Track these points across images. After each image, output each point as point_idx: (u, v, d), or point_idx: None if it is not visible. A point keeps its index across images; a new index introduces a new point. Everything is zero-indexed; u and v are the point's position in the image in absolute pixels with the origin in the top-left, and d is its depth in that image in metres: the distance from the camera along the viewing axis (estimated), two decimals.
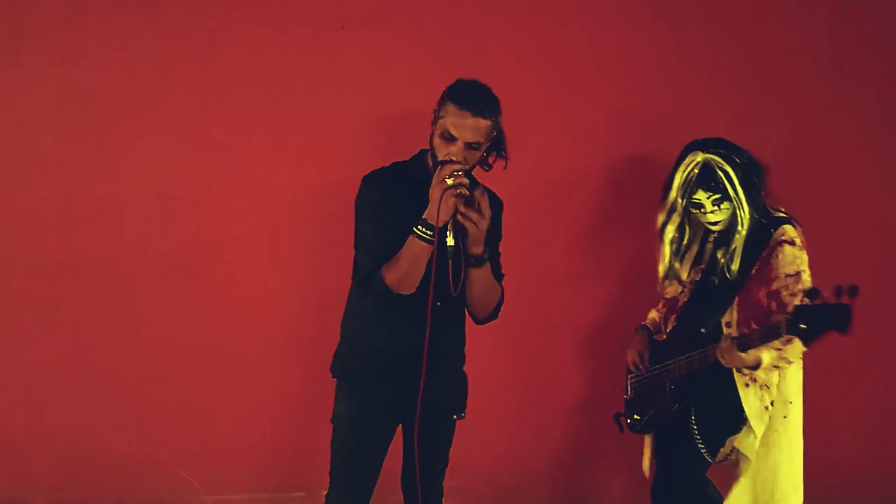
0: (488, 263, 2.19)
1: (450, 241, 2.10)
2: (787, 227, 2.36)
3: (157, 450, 3.21)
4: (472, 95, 2.15)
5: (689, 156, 2.38)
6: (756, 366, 2.26)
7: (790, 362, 2.32)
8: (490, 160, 2.24)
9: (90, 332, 3.16)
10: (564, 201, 3.20)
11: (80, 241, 3.12)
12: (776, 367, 2.31)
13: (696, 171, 2.35)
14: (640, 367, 2.68)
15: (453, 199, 2.04)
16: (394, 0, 3.09)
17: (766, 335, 2.17)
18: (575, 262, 3.22)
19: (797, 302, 2.24)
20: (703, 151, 2.36)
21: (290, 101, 3.08)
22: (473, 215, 2.07)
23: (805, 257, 2.34)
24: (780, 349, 2.25)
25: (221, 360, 3.19)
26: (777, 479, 2.43)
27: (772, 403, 2.40)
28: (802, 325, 2.04)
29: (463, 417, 2.41)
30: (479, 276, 2.19)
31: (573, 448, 3.33)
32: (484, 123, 2.13)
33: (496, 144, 2.23)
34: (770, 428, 2.41)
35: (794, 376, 2.44)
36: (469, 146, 2.12)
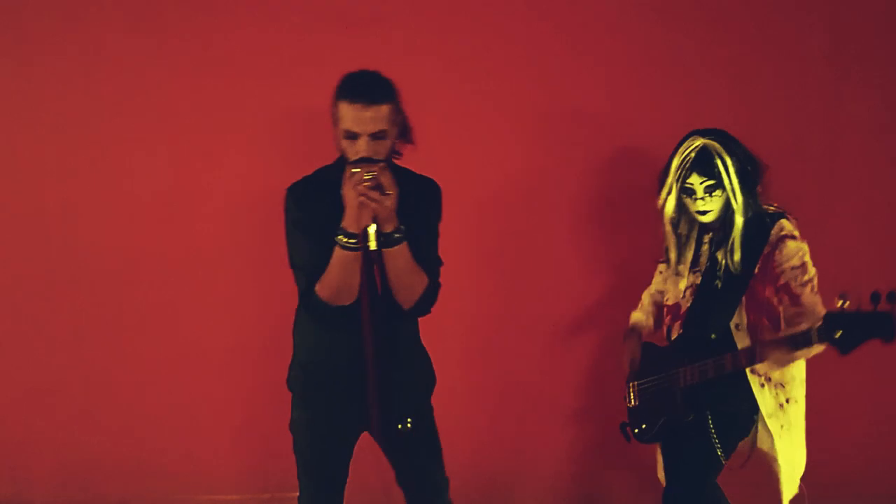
0: (405, 243, 2.07)
1: (372, 246, 2.02)
2: (784, 222, 2.37)
3: (156, 450, 3.22)
4: (361, 86, 2.05)
5: (689, 140, 2.40)
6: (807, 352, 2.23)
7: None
8: (398, 148, 2.16)
9: (91, 333, 3.17)
10: (560, 200, 3.20)
11: (79, 242, 3.13)
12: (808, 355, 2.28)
13: (693, 154, 2.36)
14: (634, 368, 2.67)
15: (371, 205, 1.97)
16: (394, 0, 3.10)
17: (798, 343, 2.16)
18: (575, 262, 3.22)
19: (808, 292, 2.28)
20: (702, 137, 2.38)
21: (293, 101, 3.08)
22: (374, 195, 1.97)
23: (806, 248, 2.36)
24: None
25: (222, 360, 3.20)
26: (797, 459, 2.45)
27: (787, 401, 2.41)
28: (838, 334, 2.04)
29: (407, 428, 2.24)
30: (394, 257, 2.07)
31: (573, 450, 3.33)
32: (382, 110, 2.03)
33: (402, 130, 2.14)
34: (798, 409, 2.43)
35: (800, 373, 2.45)
36: (374, 137, 2.03)
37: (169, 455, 3.23)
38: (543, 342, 3.26)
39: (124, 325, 3.17)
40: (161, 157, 3.11)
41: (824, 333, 2.07)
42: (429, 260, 2.18)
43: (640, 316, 2.75)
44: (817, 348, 2.22)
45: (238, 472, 3.26)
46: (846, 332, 2.04)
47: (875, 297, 2.00)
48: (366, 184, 1.96)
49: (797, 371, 2.43)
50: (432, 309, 2.23)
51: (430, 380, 2.38)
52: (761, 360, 2.28)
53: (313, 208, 2.14)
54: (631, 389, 2.72)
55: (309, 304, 2.16)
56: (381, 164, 2.00)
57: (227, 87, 3.08)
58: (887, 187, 3.23)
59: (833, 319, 2.06)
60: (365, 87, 2.05)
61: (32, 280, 3.14)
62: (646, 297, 2.78)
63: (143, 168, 3.11)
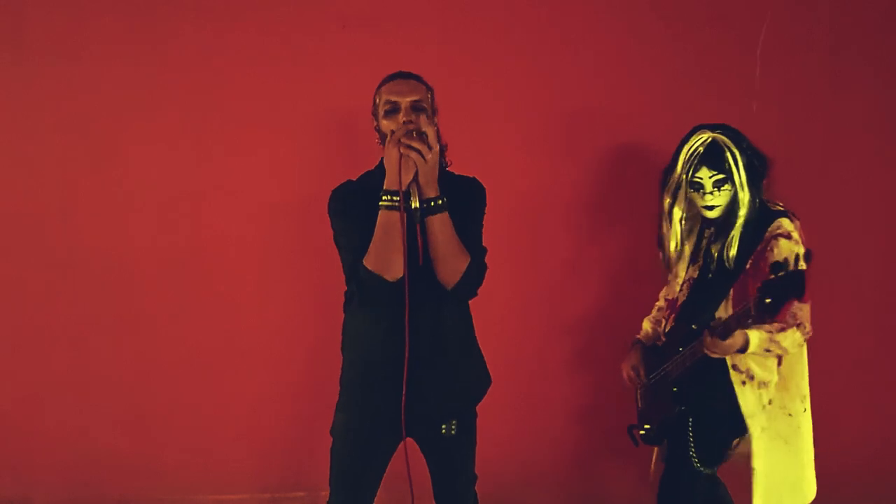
0: (446, 214, 2.08)
1: (415, 203, 2.06)
2: (784, 221, 2.34)
3: (157, 450, 3.22)
4: (396, 73, 2.21)
5: (697, 134, 2.38)
6: (744, 348, 2.24)
7: (787, 351, 2.30)
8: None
9: (92, 333, 3.17)
10: (566, 201, 3.20)
11: (81, 241, 3.14)
12: (769, 350, 2.28)
13: (702, 148, 2.35)
14: (637, 381, 2.66)
15: (412, 154, 2.00)
16: (394, 0, 3.10)
17: (740, 318, 2.15)
18: (579, 262, 3.22)
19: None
20: (710, 131, 2.37)
21: (294, 102, 3.09)
22: (417, 144, 1.99)
23: (801, 251, 2.31)
24: (770, 332, 2.25)
25: (222, 360, 3.20)
26: (804, 471, 2.43)
27: (770, 402, 2.39)
28: (767, 300, 2.05)
29: (453, 432, 2.25)
30: (438, 226, 2.07)
31: (577, 449, 3.32)
32: (417, 84, 2.16)
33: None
34: (794, 423, 2.40)
35: (803, 370, 2.43)
36: (413, 106, 2.12)
37: (169, 455, 3.23)
38: (547, 343, 3.26)
39: (126, 325, 3.17)
40: (164, 156, 3.11)
41: (759, 303, 2.07)
42: (473, 244, 2.18)
43: (648, 326, 2.76)
44: (779, 341, 2.24)
45: (238, 472, 3.26)
46: (773, 296, 2.05)
47: (795, 259, 2.05)
48: (408, 138, 2.01)
49: (793, 381, 2.41)
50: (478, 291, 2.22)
51: (480, 383, 2.36)
52: (708, 351, 2.26)
53: (357, 205, 2.17)
54: (637, 392, 2.73)
55: (355, 280, 2.14)
56: (424, 120, 2.10)
57: (234, 87, 3.09)
58: (886, 187, 3.23)
59: (764, 288, 2.07)
60: (402, 72, 2.21)
61: (34, 278, 3.14)
62: (660, 299, 2.78)
63: (145, 168, 3.11)
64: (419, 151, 2.00)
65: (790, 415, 2.41)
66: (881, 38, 3.18)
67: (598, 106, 3.15)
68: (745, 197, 2.34)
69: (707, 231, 2.49)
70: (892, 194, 3.23)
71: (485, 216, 2.27)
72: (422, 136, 2.01)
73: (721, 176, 2.35)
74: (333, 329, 2.40)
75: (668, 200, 2.45)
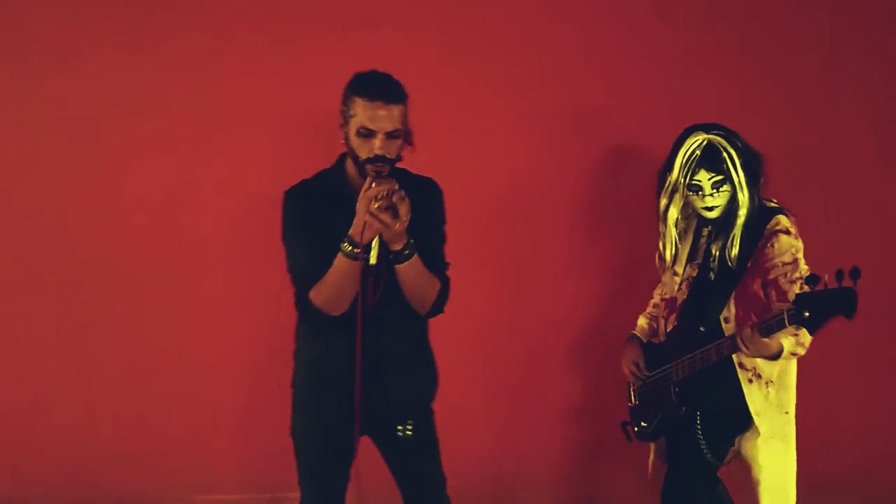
0: (415, 256, 2.09)
1: (372, 260, 2.06)
2: (781, 217, 2.35)
3: (156, 450, 3.22)
4: (378, 85, 2.08)
5: (692, 136, 2.36)
6: (778, 354, 2.23)
7: (805, 349, 2.28)
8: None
9: (91, 332, 3.17)
10: (561, 200, 3.20)
11: (81, 241, 3.14)
12: (794, 354, 2.26)
13: (699, 151, 2.33)
14: (638, 376, 2.65)
15: (376, 225, 1.97)
16: (394, 0, 3.10)
17: (770, 327, 2.13)
18: (574, 263, 3.22)
19: (797, 289, 2.23)
20: (705, 132, 2.35)
21: (293, 102, 3.09)
22: (385, 218, 1.97)
23: (801, 245, 2.33)
24: (795, 335, 2.21)
25: (222, 360, 3.20)
26: (788, 474, 2.41)
27: (767, 397, 2.38)
28: (806, 314, 2.03)
29: (409, 433, 2.24)
30: (406, 271, 2.10)
31: (573, 450, 3.32)
32: (398, 109, 2.06)
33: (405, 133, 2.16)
34: (782, 423, 2.39)
35: (793, 368, 2.42)
36: (389, 136, 2.05)
37: (169, 454, 3.23)
38: (545, 342, 3.26)
39: (125, 325, 3.17)
40: (164, 157, 3.12)
41: (795, 315, 2.06)
42: (436, 263, 2.19)
43: (643, 322, 2.74)
44: (802, 342, 2.22)
45: (238, 472, 3.26)
46: (813, 311, 2.03)
47: (839, 275, 1.98)
48: (379, 203, 1.97)
49: (789, 379, 2.41)
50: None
51: (431, 383, 2.36)
52: (743, 346, 2.23)
53: (311, 212, 2.15)
54: (631, 389, 2.72)
55: (305, 311, 2.17)
56: (401, 193, 2.00)
57: (232, 88, 3.09)
58: (886, 187, 3.23)
59: (802, 300, 2.05)
60: (382, 85, 2.08)
61: (34, 278, 3.14)
62: (655, 296, 2.77)
63: (145, 169, 3.12)
64: (386, 224, 1.97)
65: (786, 413, 2.40)
66: (881, 38, 3.19)
67: (598, 106, 3.16)
68: (744, 197, 2.34)
69: (705, 229, 2.49)
70: (892, 194, 3.23)
71: (445, 223, 2.25)
72: (392, 210, 1.98)
73: (720, 177, 2.34)
74: None
75: (664, 202, 2.43)
